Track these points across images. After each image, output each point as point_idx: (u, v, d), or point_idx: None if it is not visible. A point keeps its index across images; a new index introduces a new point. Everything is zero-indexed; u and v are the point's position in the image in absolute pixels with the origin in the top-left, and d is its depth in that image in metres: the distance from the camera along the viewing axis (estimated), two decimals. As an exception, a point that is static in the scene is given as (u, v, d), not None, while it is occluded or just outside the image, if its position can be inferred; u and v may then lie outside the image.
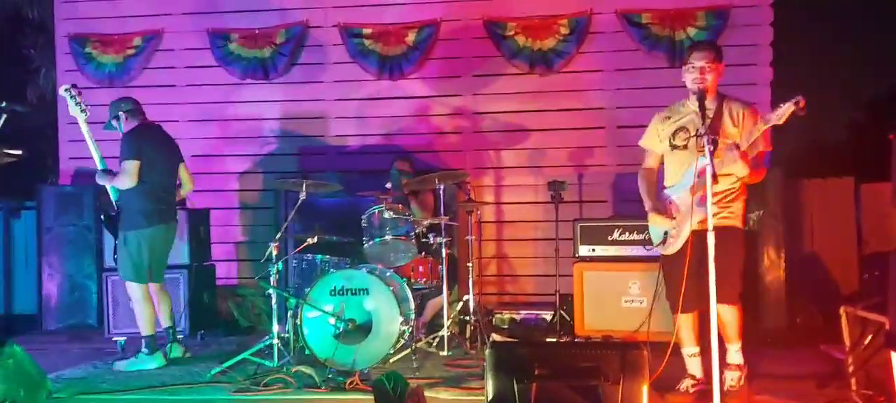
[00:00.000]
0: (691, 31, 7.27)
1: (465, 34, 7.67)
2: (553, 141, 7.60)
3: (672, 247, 4.54)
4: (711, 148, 3.91)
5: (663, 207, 4.62)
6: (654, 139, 4.71)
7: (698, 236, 4.17)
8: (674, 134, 4.57)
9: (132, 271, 5.60)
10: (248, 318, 7.28)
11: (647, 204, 4.67)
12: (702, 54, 4.43)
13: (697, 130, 4.27)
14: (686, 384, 4.57)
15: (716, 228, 3.99)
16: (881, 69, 7.23)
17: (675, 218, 4.53)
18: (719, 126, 4.43)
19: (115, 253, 5.75)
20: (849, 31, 7.15)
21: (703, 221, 4.07)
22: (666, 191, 4.67)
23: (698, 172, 4.27)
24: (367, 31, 7.71)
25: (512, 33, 7.50)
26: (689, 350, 4.60)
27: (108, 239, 6.44)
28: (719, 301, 4.07)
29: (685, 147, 4.50)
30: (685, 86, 4.50)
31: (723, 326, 4.37)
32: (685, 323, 4.53)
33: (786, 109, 3.87)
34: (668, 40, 7.30)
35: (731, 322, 4.44)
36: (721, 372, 4.25)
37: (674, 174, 4.61)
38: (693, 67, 4.42)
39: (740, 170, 4.26)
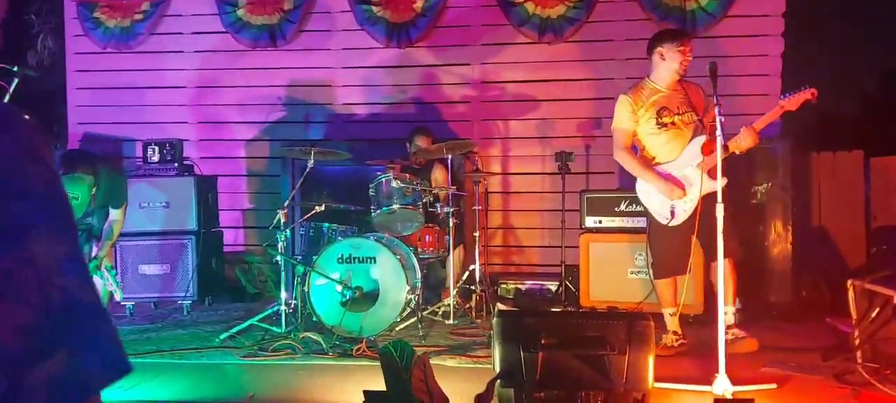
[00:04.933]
0: (703, 1, 7.20)
1: (474, 1, 7.60)
2: (561, 111, 7.55)
3: (680, 219, 4.83)
4: (722, 120, 4.05)
5: (675, 181, 4.85)
6: (631, 119, 4.98)
7: (705, 202, 4.51)
8: (659, 112, 4.87)
9: None
10: (255, 285, 7.33)
11: (658, 182, 4.86)
12: (688, 41, 4.90)
13: (681, 110, 4.83)
14: (671, 338, 4.92)
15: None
16: (893, 42, 7.15)
17: (686, 192, 4.80)
18: (691, 104, 4.87)
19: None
20: (861, 3, 7.06)
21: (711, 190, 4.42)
22: (664, 167, 4.91)
23: (703, 148, 4.72)
24: (375, -3, 7.66)
25: (521, 0, 7.44)
26: (671, 310, 4.98)
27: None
28: (725, 256, 4.53)
29: (673, 124, 4.84)
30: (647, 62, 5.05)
31: (726, 282, 4.70)
32: (670, 286, 4.98)
33: (799, 97, 4.33)
34: (679, 10, 7.22)
35: (731, 276, 4.77)
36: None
37: (666, 151, 4.90)
38: (686, 51, 4.84)
39: (751, 142, 4.62)
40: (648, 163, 4.95)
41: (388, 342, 3.50)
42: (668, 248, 4.93)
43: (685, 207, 4.78)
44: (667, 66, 4.86)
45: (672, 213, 4.83)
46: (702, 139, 4.77)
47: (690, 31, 7.07)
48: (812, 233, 6.55)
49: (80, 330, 1.25)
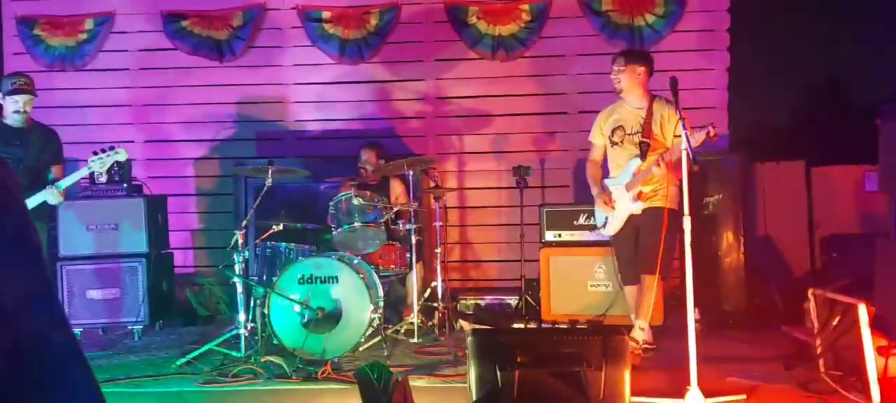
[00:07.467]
0: (650, 18, 7.33)
1: (427, 18, 7.59)
2: (516, 126, 7.59)
3: (610, 230, 5.37)
4: (645, 148, 4.85)
5: (607, 196, 5.31)
6: (599, 134, 5.45)
7: (632, 219, 5.19)
8: (613, 131, 5.29)
9: None
10: (207, 307, 7.14)
11: (594, 191, 5.42)
12: (615, 59, 5.27)
13: (633, 130, 5.17)
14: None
15: (649, 209, 5.06)
16: (832, 56, 7.41)
17: (613, 207, 5.25)
18: (650, 126, 5.12)
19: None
20: (803, 19, 7.30)
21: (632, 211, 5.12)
22: (606, 181, 5.37)
23: (633, 171, 5.10)
24: (326, 14, 7.56)
25: (473, 19, 7.44)
26: (634, 317, 5.30)
27: (61, 226, 6.29)
28: (641, 270, 5.13)
29: (621, 143, 5.24)
30: None
31: (639, 295, 5.17)
32: (632, 294, 5.36)
33: (699, 137, 4.36)
34: (628, 27, 7.34)
35: (646, 291, 5.07)
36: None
37: (613, 167, 5.37)
38: (613, 70, 5.24)
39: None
40: (597, 175, 5.42)
41: (365, 365, 3.45)
42: (618, 256, 5.49)
43: (613, 223, 5.27)
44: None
45: (605, 223, 5.34)
46: (636, 163, 5.10)
47: (638, 46, 7.22)
48: (759, 242, 6.70)
49: (52, 374, 1.18)
